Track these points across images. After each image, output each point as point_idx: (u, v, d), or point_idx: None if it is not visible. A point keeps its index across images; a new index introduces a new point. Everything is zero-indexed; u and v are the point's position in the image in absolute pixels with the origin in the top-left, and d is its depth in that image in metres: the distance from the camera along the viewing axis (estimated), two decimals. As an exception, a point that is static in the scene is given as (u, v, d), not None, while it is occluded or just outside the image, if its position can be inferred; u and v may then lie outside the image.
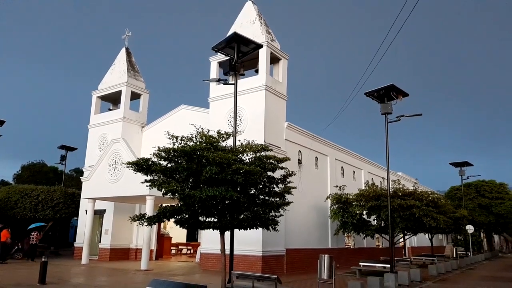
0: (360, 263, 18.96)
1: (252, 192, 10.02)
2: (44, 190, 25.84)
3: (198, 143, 9.57)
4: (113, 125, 25.75)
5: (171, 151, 9.59)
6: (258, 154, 10.19)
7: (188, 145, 9.53)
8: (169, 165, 9.95)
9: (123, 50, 27.87)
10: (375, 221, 20.13)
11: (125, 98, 25.73)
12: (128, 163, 9.90)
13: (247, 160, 10.06)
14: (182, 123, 24.33)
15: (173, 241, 28.69)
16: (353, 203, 19.22)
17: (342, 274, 18.26)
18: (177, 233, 28.14)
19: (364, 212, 19.78)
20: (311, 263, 20.65)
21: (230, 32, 22.34)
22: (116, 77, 26.79)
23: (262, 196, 10.37)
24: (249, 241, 17.65)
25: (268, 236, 17.44)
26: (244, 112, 20.00)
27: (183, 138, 9.89)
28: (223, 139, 10.24)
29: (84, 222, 25.39)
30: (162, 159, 9.81)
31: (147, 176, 10.21)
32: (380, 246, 30.40)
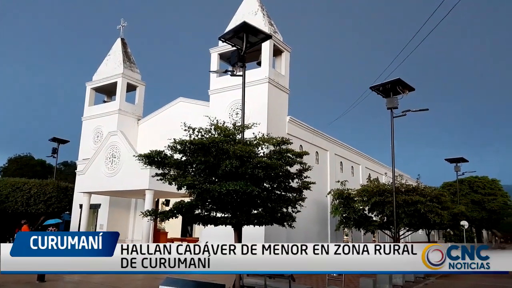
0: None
1: (268, 186, 9.63)
2: (37, 183, 25.11)
3: (216, 135, 9.11)
4: (108, 117, 25.07)
5: (187, 143, 9.10)
6: (278, 148, 9.81)
7: (206, 137, 9.07)
8: (183, 158, 9.46)
9: (119, 41, 27.12)
10: (377, 217, 19.94)
11: (120, 90, 25.06)
12: (140, 155, 9.40)
13: (261, 154, 9.65)
14: (180, 116, 23.71)
15: (168, 236, 28.17)
16: (356, 199, 18.96)
17: (345, 270, 18.04)
18: (171, 228, 27.67)
19: (366, 208, 19.56)
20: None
21: (231, 23, 21.86)
22: (111, 68, 26.07)
23: (278, 191, 9.98)
24: (251, 238, 17.15)
25: (271, 231, 17.11)
26: (246, 105, 19.51)
27: (200, 130, 9.43)
28: (239, 131, 9.81)
29: (77, 217, 24.80)
30: (177, 152, 9.31)
31: (158, 169, 9.73)
32: (377, 242, 30.34)
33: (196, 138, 9.13)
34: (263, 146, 9.76)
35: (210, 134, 9.28)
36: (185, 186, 8.96)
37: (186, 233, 34.15)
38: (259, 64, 20.09)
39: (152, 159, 9.28)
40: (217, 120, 10.02)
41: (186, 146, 9.10)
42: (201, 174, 9.29)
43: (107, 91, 27.46)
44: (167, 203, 27.70)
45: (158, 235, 26.26)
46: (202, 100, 23.31)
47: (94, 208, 23.66)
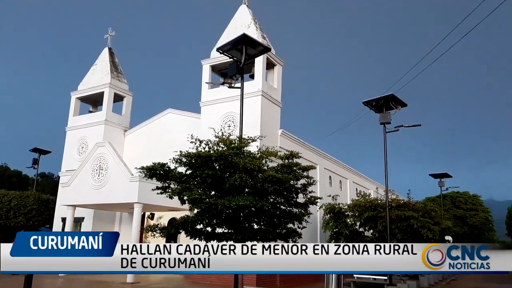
0: (354, 275, 18.57)
1: (275, 201, 9.38)
2: (17, 195, 24.14)
3: (222, 148, 8.84)
4: (94, 128, 24.44)
5: (195, 156, 8.79)
6: (286, 161, 9.60)
7: (214, 149, 8.79)
8: (187, 171, 9.14)
9: (106, 50, 26.67)
10: (369, 232, 19.86)
11: (107, 100, 24.52)
12: (142, 168, 9.03)
13: (266, 167, 9.42)
14: (169, 127, 23.44)
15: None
16: (348, 213, 18.87)
17: (337, 287, 17.80)
18: (155, 243, 26.99)
19: (358, 223, 19.47)
20: (304, 276, 20.14)
21: (223, 36, 21.78)
22: (98, 77, 25.53)
23: (283, 206, 9.74)
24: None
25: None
26: (238, 117, 19.32)
27: (208, 143, 9.15)
28: (247, 144, 9.56)
29: (58, 230, 23.91)
30: (183, 165, 8.99)
31: (160, 183, 9.37)
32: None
33: (203, 150, 8.83)
34: (268, 159, 9.54)
35: (218, 146, 9.00)
36: (191, 202, 8.60)
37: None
38: (251, 76, 19.99)
39: (155, 171, 8.94)
40: (222, 133, 9.76)
41: (193, 159, 8.79)
42: (206, 188, 8.97)
43: (93, 101, 26.85)
44: (152, 216, 27.07)
45: (143, 250, 25.54)
46: (190, 111, 23.11)
47: (77, 221, 22.83)
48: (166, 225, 9.68)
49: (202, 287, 16.08)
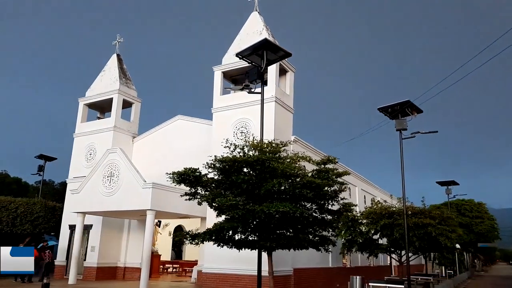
0: (369, 283, 18.31)
1: (311, 208, 9.18)
2: (23, 202, 23.81)
3: (254, 152, 8.64)
4: (102, 134, 24.23)
5: (230, 161, 8.57)
6: (322, 166, 9.42)
7: (249, 154, 8.59)
8: (216, 177, 8.92)
9: (114, 56, 26.55)
10: (382, 239, 19.64)
11: (116, 106, 24.34)
12: (173, 173, 8.82)
13: (303, 172, 9.21)
14: (178, 134, 23.26)
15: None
16: (362, 221, 18.65)
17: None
18: (161, 250, 26.63)
19: (372, 231, 19.24)
20: (315, 283, 19.87)
21: (235, 42, 21.70)
22: (106, 84, 25.38)
23: (315, 214, 9.53)
24: (255, 260, 16.60)
25: (277, 255, 16.53)
26: (251, 123, 19.22)
27: (243, 147, 8.95)
28: (278, 149, 9.36)
29: (66, 238, 23.62)
30: (216, 170, 8.77)
31: (191, 188, 9.15)
32: (372, 265, 30.01)
33: (238, 155, 8.63)
34: (299, 163, 9.33)
35: (253, 151, 8.80)
36: (226, 208, 8.36)
37: (177, 256, 33.07)
38: (264, 83, 19.84)
39: (186, 177, 8.71)
40: (253, 137, 9.56)
41: (227, 164, 8.58)
42: (239, 194, 8.75)
43: (100, 108, 26.69)
44: (158, 224, 26.75)
45: (151, 258, 25.16)
46: (200, 117, 22.96)
47: (85, 229, 22.49)
48: (197, 232, 9.39)
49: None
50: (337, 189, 10.12)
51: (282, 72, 20.92)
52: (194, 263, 24.15)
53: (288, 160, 9.11)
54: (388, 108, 17.48)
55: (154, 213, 17.63)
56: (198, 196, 9.02)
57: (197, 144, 21.78)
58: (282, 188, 7.93)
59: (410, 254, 19.59)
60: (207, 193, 8.94)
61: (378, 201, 20.40)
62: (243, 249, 9.46)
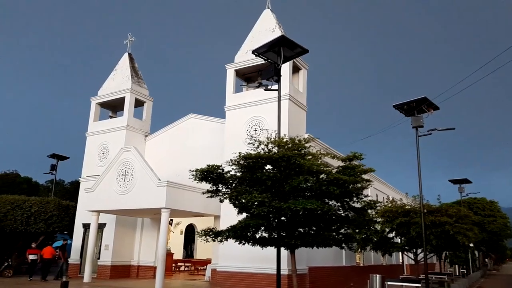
0: (386, 282, 18.17)
1: (336, 205, 9.08)
2: (37, 201, 23.91)
3: (286, 148, 8.56)
4: (115, 133, 24.29)
5: (255, 157, 8.50)
6: (348, 163, 9.32)
7: (274, 151, 8.51)
8: (242, 173, 8.85)
9: (126, 56, 26.62)
10: (397, 238, 19.49)
11: (128, 105, 24.38)
12: (196, 170, 8.76)
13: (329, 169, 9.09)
14: (191, 133, 23.24)
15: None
16: (378, 220, 18.48)
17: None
18: (173, 248, 26.65)
19: (387, 229, 19.09)
20: (329, 282, 19.74)
21: (247, 40, 21.63)
22: (118, 83, 25.44)
23: (338, 211, 9.42)
24: (270, 258, 16.52)
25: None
26: (264, 121, 19.13)
27: (267, 144, 8.87)
28: (302, 145, 9.27)
29: (79, 237, 23.73)
30: (240, 167, 8.70)
31: (214, 186, 9.09)
32: (384, 264, 29.82)
33: (263, 152, 8.55)
34: (320, 160, 9.22)
35: (278, 147, 8.72)
36: (251, 205, 8.29)
37: (188, 254, 33.12)
38: (276, 81, 19.73)
39: (209, 174, 8.65)
40: (274, 134, 9.48)
41: (251, 160, 8.50)
42: (264, 191, 8.65)
43: (112, 107, 26.76)
44: (170, 222, 26.76)
45: (165, 256, 25.15)
46: (211, 116, 22.92)
47: (99, 227, 22.56)
48: (218, 229, 9.31)
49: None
50: (362, 186, 10.00)
51: (295, 69, 20.81)
52: (207, 261, 24.15)
53: (310, 157, 9.02)
54: (404, 105, 17.30)
55: (168, 211, 17.62)
56: (220, 194, 8.95)
57: (209, 142, 21.78)
58: (308, 184, 7.84)
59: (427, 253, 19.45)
60: (230, 190, 8.86)
61: (393, 199, 20.20)
62: (265, 247, 9.37)
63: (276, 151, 8.52)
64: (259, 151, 8.70)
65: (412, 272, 33.66)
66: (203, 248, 29.13)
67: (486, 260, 69.72)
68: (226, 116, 20.57)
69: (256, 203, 8.08)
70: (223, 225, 15.48)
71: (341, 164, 9.70)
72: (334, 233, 9.04)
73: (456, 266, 33.13)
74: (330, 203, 9.02)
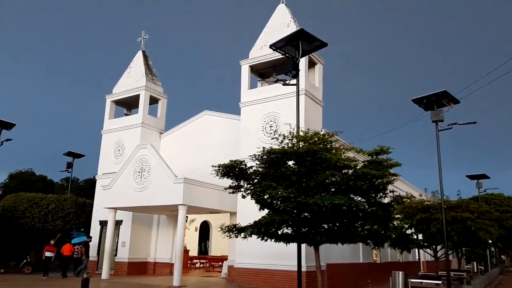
0: (408, 279, 17.90)
1: (362, 201, 8.93)
2: (54, 199, 24.16)
3: (311, 142, 8.42)
4: (130, 130, 24.37)
5: (279, 152, 8.38)
6: (375, 157, 9.15)
7: (298, 145, 8.38)
8: (265, 168, 8.73)
9: (140, 53, 26.66)
10: (416, 234, 19.21)
11: (143, 103, 24.43)
12: (219, 165, 8.68)
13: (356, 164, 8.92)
14: (206, 129, 23.21)
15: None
16: (397, 216, 18.22)
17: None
18: (188, 245, 26.72)
19: (406, 226, 18.82)
20: (347, 279, 19.55)
21: (262, 35, 21.46)
22: (133, 80, 25.50)
23: (362, 207, 9.24)
24: (288, 255, 16.39)
25: (310, 250, 16.28)
26: (280, 117, 18.97)
27: (292, 138, 8.73)
28: (327, 139, 9.12)
29: (96, 234, 23.85)
30: (262, 162, 8.58)
31: (237, 181, 8.99)
32: (401, 261, 29.49)
33: (287, 146, 8.42)
34: (344, 154, 9.05)
35: (303, 141, 8.58)
36: (276, 201, 8.17)
37: (202, 251, 33.20)
38: (294, 76, 19.54)
39: (231, 169, 8.55)
40: (297, 128, 9.32)
41: (276, 156, 8.37)
42: (289, 186, 8.52)
43: (127, 104, 26.85)
44: (185, 219, 26.80)
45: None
46: (226, 112, 22.84)
47: (116, 224, 22.67)
48: (241, 225, 9.23)
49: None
50: (388, 180, 9.80)
51: (311, 64, 20.59)
52: (222, 258, 24.14)
53: (333, 151, 8.86)
54: (423, 99, 16.96)
55: (186, 208, 17.61)
56: (242, 189, 8.85)
57: (224, 139, 21.72)
58: (334, 179, 7.69)
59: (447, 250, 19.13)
60: (253, 186, 8.74)
61: (412, 195, 19.89)
62: (289, 243, 9.23)
63: (301, 146, 8.38)
64: (283, 145, 8.55)
65: (429, 269, 33.25)
66: (217, 245, 29.15)
67: (503, 256, 68.70)
68: (241, 112, 20.45)
69: (280, 198, 7.95)
70: (240, 222, 15.40)
71: (367, 158, 9.50)
72: (360, 229, 8.87)
73: (474, 263, 32.61)
74: (356, 198, 8.85)
